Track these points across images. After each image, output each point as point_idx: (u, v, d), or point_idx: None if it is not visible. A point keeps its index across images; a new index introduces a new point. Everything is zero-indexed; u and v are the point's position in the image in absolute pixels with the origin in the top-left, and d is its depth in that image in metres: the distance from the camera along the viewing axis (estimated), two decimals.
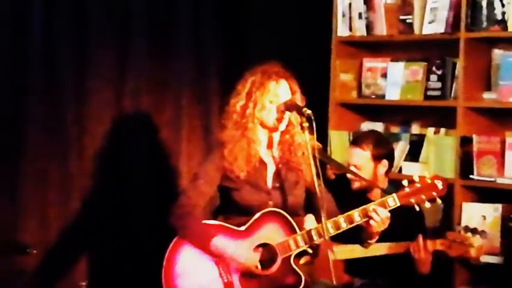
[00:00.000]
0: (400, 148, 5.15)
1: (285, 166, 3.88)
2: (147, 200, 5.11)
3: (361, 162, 4.50)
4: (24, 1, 4.78)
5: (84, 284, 4.89)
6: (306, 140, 3.68)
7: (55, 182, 4.92)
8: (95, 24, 4.96)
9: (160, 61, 5.17)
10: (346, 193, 4.17)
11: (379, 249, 4.20)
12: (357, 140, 4.59)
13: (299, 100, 3.84)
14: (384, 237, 3.96)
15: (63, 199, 4.94)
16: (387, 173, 4.60)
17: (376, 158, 4.51)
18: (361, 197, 4.46)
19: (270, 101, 3.81)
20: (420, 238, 4.25)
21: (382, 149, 4.54)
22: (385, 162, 4.54)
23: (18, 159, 4.81)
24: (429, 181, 3.84)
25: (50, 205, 4.90)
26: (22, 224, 4.81)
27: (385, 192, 4.49)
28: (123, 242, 5.02)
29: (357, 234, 3.89)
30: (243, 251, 3.73)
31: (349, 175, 4.51)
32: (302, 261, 3.80)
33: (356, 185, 4.52)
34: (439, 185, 3.83)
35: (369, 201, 4.47)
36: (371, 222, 3.77)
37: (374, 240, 3.90)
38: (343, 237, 3.91)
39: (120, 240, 5.02)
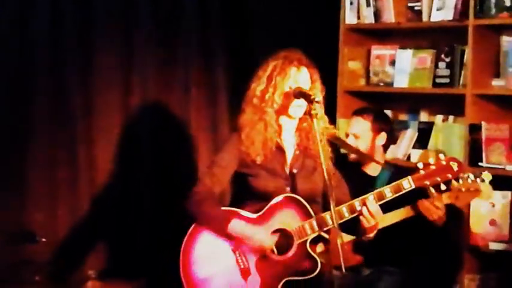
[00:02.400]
0: (409, 136, 5.15)
1: (303, 152, 3.89)
2: (156, 188, 5.11)
3: (361, 131, 4.55)
4: None
5: (92, 272, 4.90)
6: (315, 127, 3.67)
7: (63, 171, 4.93)
8: (101, 12, 4.97)
9: (166, 50, 5.17)
10: (341, 169, 4.15)
11: (387, 219, 4.17)
12: (359, 110, 4.67)
13: (318, 88, 3.83)
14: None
15: (72, 188, 4.95)
16: (385, 148, 4.64)
17: (376, 130, 4.56)
18: (357, 170, 4.53)
19: (289, 87, 3.80)
20: (424, 201, 4.21)
21: (382, 121, 4.61)
22: (383, 134, 4.59)
23: (26, 149, 4.82)
24: (444, 163, 3.83)
25: (59, 195, 4.92)
26: (30, 214, 4.83)
27: (384, 169, 4.52)
28: (133, 230, 5.03)
29: (355, 227, 3.89)
30: (261, 233, 3.74)
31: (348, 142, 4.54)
32: (319, 248, 3.80)
33: (353, 155, 4.56)
34: (455, 166, 3.82)
35: (364, 174, 4.49)
36: (360, 217, 3.78)
37: (372, 234, 3.89)
38: (343, 229, 3.92)
39: (130, 228, 5.03)
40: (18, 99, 4.79)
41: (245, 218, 3.79)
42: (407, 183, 3.82)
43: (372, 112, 4.62)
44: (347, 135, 4.61)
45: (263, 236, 3.74)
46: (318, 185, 3.85)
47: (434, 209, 4.21)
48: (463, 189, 4.14)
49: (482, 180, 4.15)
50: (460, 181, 4.09)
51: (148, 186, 5.12)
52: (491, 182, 4.18)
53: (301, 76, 3.83)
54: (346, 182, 4.01)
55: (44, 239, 4.54)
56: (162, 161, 5.16)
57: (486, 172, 4.19)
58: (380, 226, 4.05)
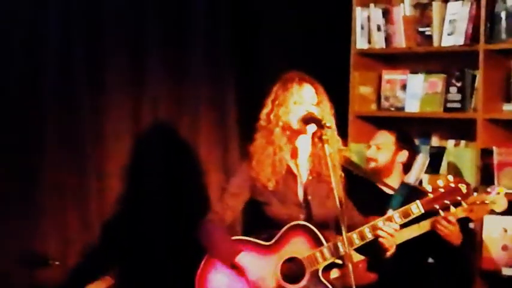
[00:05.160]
0: (420, 160, 5.14)
1: (315, 178, 3.89)
2: (167, 209, 5.11)
3: (384, 143, 4.63)
4: (39, 16, 4.83)
5: None
6: (326, 153, 3.68)
7: (74, 194, 4.93)
8: (110, 37, 4.99)
9: (176, 73, 5.18)
10: (356, 186, 4.15)
11: (403, 236, 4.16)
12: (385, 127, 4.77)
13: (327, 106, 3.84)
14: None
15: (83, 212, 4.95)
16: (405, 169, 4.66)
17: (399, 146, 4.62)
18: (373, 188, 4.58)
19: (294, 102, 3.81)
20: (440, 215, 4.19)
21: (406, 140, 4.69)
22: (405, 152, 4.65)
23: (38, 173, 4.83)
24: (453, 185, 3.81)
25: (70, 218, 4.92)
26: (42, 237, 4.83)
27: (397, 193, 4.52)
28: (144, 252, 5.02)
29: (373, 248, 3.89)
30: (263, 271, 3.73)
31: (369, 152, 4.65)
32: (333, 274, 3.79)
33: (372, 165, 4.64)
34: (463, 189, 3.81)
35: (381, 191, 4.49)
36: (380, 239, 3.77)
37: (390, 252, 3.88)
38: (363, 250, 3.91)
39: (142, 250, 5.02)
40: (28, 122, 4.81)
41: (257, 246, 3.80)
42: (416, 208, 3.81)
43: (397, 130, 4.71)
44: (369, 147, 4.67)
45: (265, 276, 3.74)
46: (331, 211, 3.83)
47: (446, 223, 4.19)
48: (478, 202, 4.14)
49: (497, 193, 4.15)
50: (475, 194, 4.09)
51: (158, 208, 5.11)
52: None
53: (304, 91, 3.84)
54: (361, 199, 4.01)
55: (57, 262, 4.54)
56: (172, 182, 5.16)
57: (497, 192, 4.19)
58: (397, 242, 4.05)
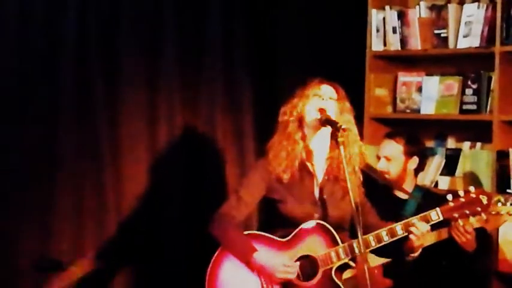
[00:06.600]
0: (436, 162, 5.14)
1: (332, 179, 3.90)
2: (184, 215, 5.12)
3: (393, 154, 4.58)
4: (56, 25, 4.86)
5: None
6: (342, 154, 3.69)
7: (90, 199, 4.94)
8: (127, 39, 5.01)
9: (191, 76, 5.19)
10: (372, 191, 4.16)
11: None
12: (391, 133, 4.71)
13: (347, 106, 3.85)
14: None
15: (99, 217, 4.96)
16: (417, 172, 4.66)
17: (408, 153, 4.59)
18: (387, 193, 4.57)
19: (313, 94, 3.84)
20: (458, 223, 4.20)
21: (414, 145, 4.64)
22: (415, 158, 4.62)
23: (54, 179, 4.85)
24: (474, 196, 3.82)
25: (86, 223, 4.94)
26: (57, 243, 4.85)
27: (411, 198, 4.52)
28: (161, 258, 5.04)
29: (398, 248, 3.89)
30: (284, 262, 3.75)
31: (380, 165, 4.59)
32: (345, 275, 3.80)
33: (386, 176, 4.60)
34: (484, 200, 3.81)
35: (395, 197, 4.49)
36: (411, 236, 3.78)
37: (416, 254, 3.89)
38: (384, 251, 3.92)
39: (158, 256, 5.04)
40: (45, 129, 4.83)
41: (272, 242, 3.81)
42: (436, 215, 3.83)
43: (404, 135, 4.66)
44: (378, 158, 4.65)
45: (286, 267, 3.75)
46: (346, 213, 3.86)
47: (463, 232, 4.20)
48: (493, 212, 4.13)
49: None
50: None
51: (176, 214, 5.12)
52: None
53: (324, 90, 3.88)
54: (376, 205, 4.02)
55: (73, 267, 4.55)
56: (189, 188, 5.17)
57: None
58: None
